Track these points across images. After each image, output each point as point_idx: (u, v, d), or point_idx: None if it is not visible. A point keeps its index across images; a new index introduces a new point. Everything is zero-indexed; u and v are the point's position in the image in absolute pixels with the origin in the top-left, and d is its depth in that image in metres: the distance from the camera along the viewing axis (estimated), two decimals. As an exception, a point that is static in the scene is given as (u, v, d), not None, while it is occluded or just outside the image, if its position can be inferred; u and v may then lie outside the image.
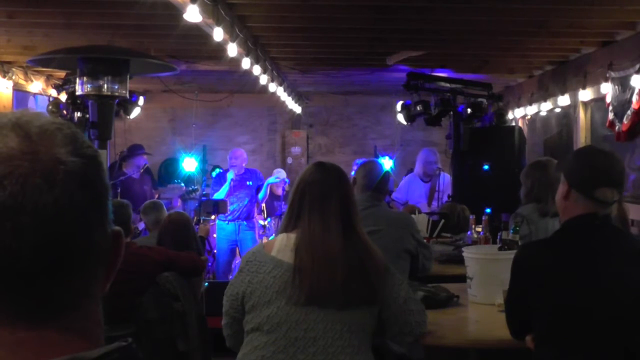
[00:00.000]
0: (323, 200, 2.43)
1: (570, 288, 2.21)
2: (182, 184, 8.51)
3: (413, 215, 4.55)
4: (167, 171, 9.70)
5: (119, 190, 6.79)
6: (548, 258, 2.29)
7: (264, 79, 6.46)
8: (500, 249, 3.43)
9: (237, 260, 7.43)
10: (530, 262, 2.33)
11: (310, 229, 2.39)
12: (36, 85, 7.52)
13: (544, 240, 2.66)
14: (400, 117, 7.26)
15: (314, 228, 2.39)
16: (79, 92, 4.75)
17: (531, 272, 2.30)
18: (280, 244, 2.43)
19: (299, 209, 2.45)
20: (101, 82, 4.59)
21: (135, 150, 7.71)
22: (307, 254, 2.35)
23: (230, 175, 7.38)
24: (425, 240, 4.00)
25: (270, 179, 7.69)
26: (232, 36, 4.76)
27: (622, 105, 5.40)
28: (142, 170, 7.60)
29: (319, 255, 2.34)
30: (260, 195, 7.53)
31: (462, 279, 3.47)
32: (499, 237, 3.57)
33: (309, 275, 2.32)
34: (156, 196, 7.85)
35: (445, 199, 6.72)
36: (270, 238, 6.19)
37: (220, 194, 7.33)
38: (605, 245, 2.28)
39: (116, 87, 4.64)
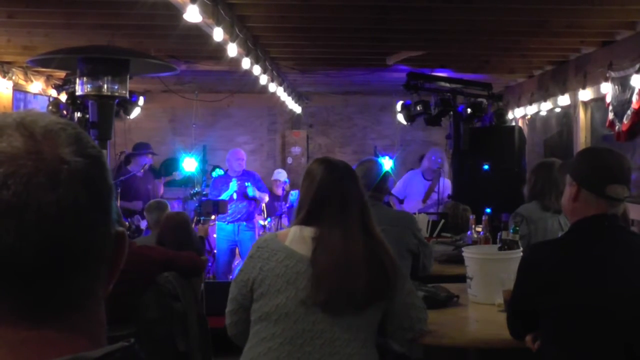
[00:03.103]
0: (345, 206, 2.40)
1: (580, 289, 2.21)
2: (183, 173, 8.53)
3: (413, 215, 4.55)
4: (167, 171, 9.71)
5: (119, 190, 6.79)
6: (558, 259, 2.29)
7: (264, 79, 6.46)
8: (500, 249, 3.43)
9: (237, 261, 7.43)
10: (540, 262, 2.32)
11: (333, 236, 2.35)
12: (36, 85, 7.52)
13: (553, 241, 2.66)
14: (400, 117, 7.26)
15: (337, 236, 2.35)
16: (79, 92, 4.75)
17: (541, 272, 2.29)
18: (294, 235, 2.40)
19: (318, 212, 2.41)
20: (101, 82, 4.59)
21: (140, 148, 7.73)
22: (328, 262, 2.31)
23: (233, 187, 7.35)
24: (425, 240, 4.00)
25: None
26: (232, 36, 4.76)
27: (622, 105, 5.40)
28: (143, 169, 7.60)
29: (343, 265, 2.30)
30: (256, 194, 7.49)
31: (462, 279, 3.47)
32: (499, 237, 3.56)
33: (328, 285, 2.29)
34: (161, 192, 7.89)
35: (444, 198, 6.72)
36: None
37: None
38: (614, 246, 2.28)
39: (116, 87, 4.64)
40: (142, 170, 7.53)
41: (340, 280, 2.29)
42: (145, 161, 7.68)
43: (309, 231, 2.38)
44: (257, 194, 7.43)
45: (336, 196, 2.42)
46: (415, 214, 5.17)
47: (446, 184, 7.03)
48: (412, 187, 7.15)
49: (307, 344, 2.28)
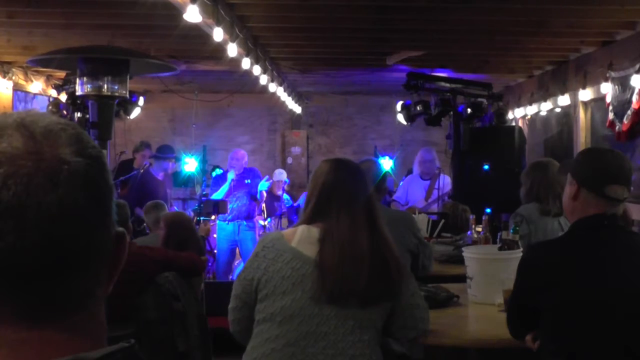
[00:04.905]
0: (352, 200, 2.42)
1: (579, 288, 2.22)
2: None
3: (413, 215, 4.55)
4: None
5: (119, 191, 6.79)
6: (558, 258, 2.30)
7: (264, 79, 6.46)
8: (500, 249, 3.43)
9: (238, 261, 7.44)
10: (539, 262, 2.33)
11: (339, 228, 2.37)
12: (36, 85, 7.52)
13: (552, 240, 2.66)
14: (400, 117, 7.26)
15: (343, 227, 2.36)
16: (79, 92, 4.76)
17: (540, 272, 2.30)
18: (301, 236, 2.40)
19: (326, 208, 2.42)
20: (101, 82, 4.60)
21: (164, 152, 7.70)
22: (334, 252, 2.32)
23: (230, 176, 7.39)
24: (425, 240, 4.00)
25: (262, 185, 7.61)
26: (232, 36, 4.76)
27: (622, 105, 5.40)
28: (143, 169, 7.59)
29: (348, 255, 2.32)
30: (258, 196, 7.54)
31: (462, 279, 3.47)
32: (499, 237, 3.56)
33: (333, 274, 2.30)
34: None
35: (445, 197, 6.73)
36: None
37: (219, 194, 7.33)
38: (613, 245, 2.29)
39: (116, 87, 4.65)
40: (141, 170, 7.51)
41: (345, 271, 2.30)
42: (169, 166, 7.67)
43: (316, 232, 2.39)
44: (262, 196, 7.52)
45: (341, 192, 2.43)
46: (415, 214, 5.17)
47: (446, 181, 7.03)
48: (413, 191, 7.15)
49: (311, 346, 2.29)
